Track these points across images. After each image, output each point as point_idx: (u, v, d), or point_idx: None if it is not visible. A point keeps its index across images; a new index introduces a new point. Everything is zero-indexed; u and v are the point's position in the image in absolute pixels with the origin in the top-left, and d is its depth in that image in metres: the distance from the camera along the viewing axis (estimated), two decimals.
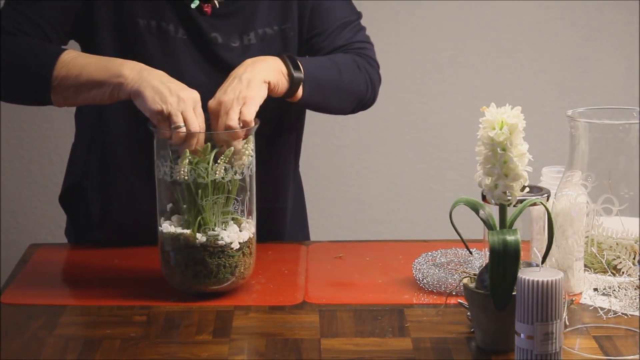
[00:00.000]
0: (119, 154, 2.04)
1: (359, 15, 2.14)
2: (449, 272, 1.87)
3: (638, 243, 1.83)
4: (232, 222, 1.82)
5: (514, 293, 1.57)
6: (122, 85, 1.82)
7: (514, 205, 1.62)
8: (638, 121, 1.84)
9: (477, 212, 1.64)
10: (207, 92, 1.88)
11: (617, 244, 1.83)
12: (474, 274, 1.67)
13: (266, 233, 2.01)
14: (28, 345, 1.67)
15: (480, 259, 1.90)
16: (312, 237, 2.26)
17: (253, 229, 1.85)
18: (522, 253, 1.58)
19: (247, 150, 1.80)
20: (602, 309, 1.76)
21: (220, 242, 1.80)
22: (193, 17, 1.98)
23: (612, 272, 1.81)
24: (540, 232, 1.77)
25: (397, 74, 3.05)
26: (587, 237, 1.83)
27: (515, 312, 1.54)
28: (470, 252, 1.77)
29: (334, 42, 2.07)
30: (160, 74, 1.83)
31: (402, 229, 3.13)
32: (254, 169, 1.84)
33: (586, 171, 1.84)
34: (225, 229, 1.80)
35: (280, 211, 2.13)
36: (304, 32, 2.06)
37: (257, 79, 1.85)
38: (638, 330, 1.69)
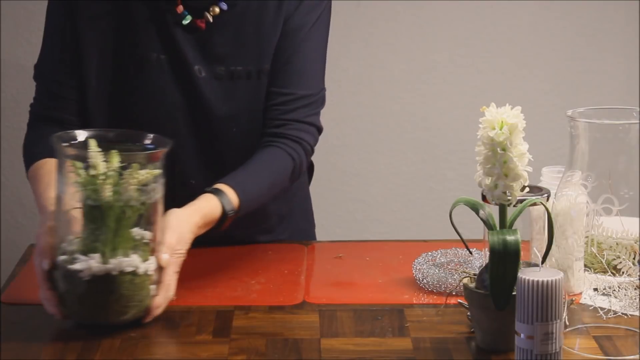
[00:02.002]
0: None
1: (322, 89, 2.07)
2: (449, 272, 1.87)
3: (638, 243, 1.83)
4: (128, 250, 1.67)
5: (514, 293, 1.57)
6: None
7: (514, 205, 1.62)
8: (638, 121, 1.84)
9: (477, 212, 1.64)
10: (185, 114, 1.98)
11: (617, 244, 1.83)
12: (474, 274, 1.67)
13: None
14: (28, 345, 1.67)
15: (480, 259, 1.90)
16: None
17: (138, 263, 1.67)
18: (522, 253, 1.58)
19: (149, 176, 1.66)
20: (602, 309, 1.76)
21: (70, 267, 1.65)
22: (177, 44, 1.98)
23: (612, 272, 1.81)
24: (540, 232, 1.77)
25: (397, 74, 3.05)
26: (587, 237, 1.83)
27: (515, 312, 1.54)
28: (470, 252, 1.77)
29: (287, 114, 2.02)
30: None
31: (402, 229, 3.13)
32: (158, 197, 1.69)
33: (586, 171, 1.84)
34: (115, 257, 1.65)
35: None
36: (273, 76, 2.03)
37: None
38: (638, 330, 1.69)
